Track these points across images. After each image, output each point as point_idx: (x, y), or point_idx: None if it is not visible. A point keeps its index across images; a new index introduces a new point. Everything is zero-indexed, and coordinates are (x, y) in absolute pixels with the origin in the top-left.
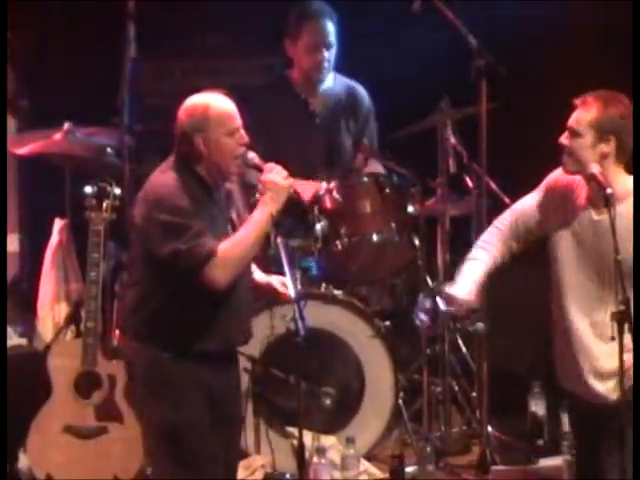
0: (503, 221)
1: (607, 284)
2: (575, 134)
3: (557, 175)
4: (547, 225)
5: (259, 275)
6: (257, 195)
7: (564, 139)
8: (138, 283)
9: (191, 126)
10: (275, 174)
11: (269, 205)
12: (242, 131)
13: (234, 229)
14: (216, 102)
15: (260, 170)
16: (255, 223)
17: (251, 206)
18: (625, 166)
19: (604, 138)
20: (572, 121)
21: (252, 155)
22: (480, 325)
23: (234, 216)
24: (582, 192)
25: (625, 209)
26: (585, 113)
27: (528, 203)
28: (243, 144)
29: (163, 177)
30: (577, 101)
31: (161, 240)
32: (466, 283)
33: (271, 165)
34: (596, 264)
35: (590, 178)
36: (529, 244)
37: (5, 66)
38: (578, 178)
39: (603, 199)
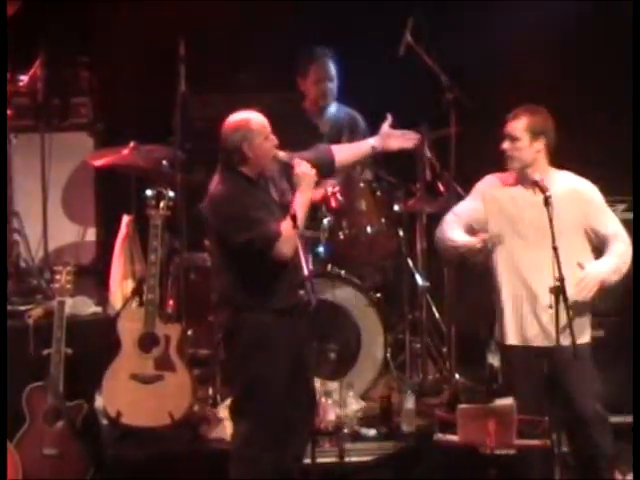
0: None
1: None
2: (513, 139)
3: (491, 183)
4: (490, 226)
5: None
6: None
7: (505, 144)
8: (224, 269)
9: (238, 137)
10: (303, 167)
11: (306, 191)
12: (273, 135)
13: (283, 204)
14: (253, 115)
15: (290, 165)
16: (300, 206)
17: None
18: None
19: (536, 138)
20: (509, 129)
21: (282, 154)
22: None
23: (276, 194)
24: (510, 180)
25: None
26: (518, 122)
27: (470, 208)
28: (275, 145)
29: (224, 188)
30: (509, 115)
31: (235, 232)
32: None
33: (297, 160)
34: (531, 234)
35: (533, 184)
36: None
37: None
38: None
39: (543, 200)
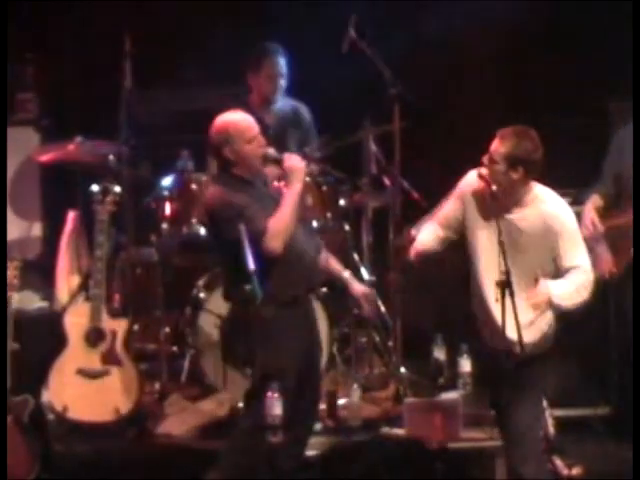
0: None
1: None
2: (492, 161)
3: (470, 181)
4: (466, 222)
5: (334, 264)
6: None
7: (484, 159)
8: (226, 267)
9: (218, 141)
10: (293, 160)
11: (296, 183)
12: (259, 137)
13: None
14: (234, 119)
15: (280, 162)
16: (290, 198)
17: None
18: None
19: (514, 168)
20: (492, 149)
21: (271, 152)
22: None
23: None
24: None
25: (530, 212)
26: (501, 146)
27: (448, 209)
28: (262, 146)
29: (214, 190)
30: (498, 132)
31: (227, 228)
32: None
33: (287, 154)
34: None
35: (479, 178)
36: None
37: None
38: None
39: (489, 195)
